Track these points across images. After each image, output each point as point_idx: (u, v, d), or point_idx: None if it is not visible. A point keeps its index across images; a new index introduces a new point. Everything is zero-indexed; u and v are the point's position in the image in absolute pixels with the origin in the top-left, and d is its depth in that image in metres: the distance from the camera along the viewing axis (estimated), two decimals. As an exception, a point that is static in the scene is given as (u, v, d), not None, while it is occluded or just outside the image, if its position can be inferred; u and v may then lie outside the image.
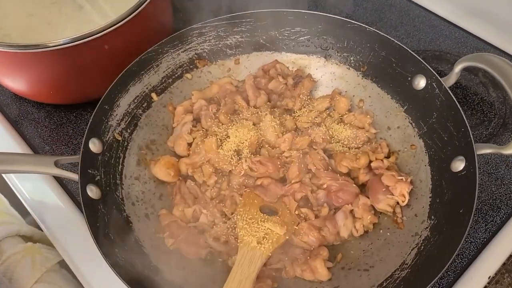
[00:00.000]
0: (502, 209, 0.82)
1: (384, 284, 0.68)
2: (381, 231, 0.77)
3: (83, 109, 0.98)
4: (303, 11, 0.88)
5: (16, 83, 0.92)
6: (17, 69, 0.85)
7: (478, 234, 0.79)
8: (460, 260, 0.76)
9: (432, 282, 0.61)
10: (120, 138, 0.81)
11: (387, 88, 0.87)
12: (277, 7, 0.89)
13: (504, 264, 0.76)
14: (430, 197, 0.75)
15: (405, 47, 0.81)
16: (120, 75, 0.81)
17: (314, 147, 0.84)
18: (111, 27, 0.78)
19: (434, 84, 0.78)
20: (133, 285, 0.63)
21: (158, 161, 0.81)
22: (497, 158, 0.87)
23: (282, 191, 0.78)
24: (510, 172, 0.86)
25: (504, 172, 0.86)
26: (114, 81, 0.80)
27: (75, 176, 0.71)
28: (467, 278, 0.75)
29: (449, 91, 0.75)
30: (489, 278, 0.75)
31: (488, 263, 0.76)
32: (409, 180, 0.76)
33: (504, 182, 0.85)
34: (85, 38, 0.77)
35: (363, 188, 0.81)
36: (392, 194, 0.76)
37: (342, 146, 0.85)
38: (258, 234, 0.72)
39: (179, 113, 0.87)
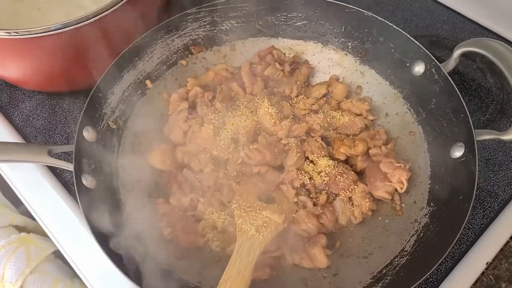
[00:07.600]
0: (500, 195, 0.82)
1: (384, 271, 0.68)
2: (379, 218, 0.76)
3: (76, 97, 0.96)
4: (300, -5, 0.87)
5: (7, 71, 0.89)
6: (7, 56, 0.83)
7: (476, 220, 0.79)
8: (458, 246, 0.76)
9: (433, 269, 0.60)
10: (114, 126, 0.80)
11: (385, 74, 0.86)
12: (274, -9, 0.88)
13: (501, 250, 0.76)
14: (429, 184, 0.75)
15: (404, 32, 0.80)
16: (113, 62, 0.79)
17: (311, 134, 0.83)
18: (103, 12, 0.76)
19: (433, 69, 0.77)
20: (130, 275, 0.62)
21: (154, 150, 0.80)
22: (495, 144, 0.87)
23: (280, 178, 0.78)
24: (508, 158, 0.86)
25: (502, 158, 0.86)
26: (108, 68, 0.79)
27: (69, 166, 0.70)
28: (465, 264, 0.75)
29: (448, 77, 0.74)
30: (486, 263, 0.75)
31: (485, 249, 0.76)
32: (407, 167, 0.75)
33: (501, 168, 0.84)
34: (77, 23, 0.75)
35: (361, 175, 0.80)
36: (391, 181, 0.75)
37: (340, 133, 0.84)
38: (257, 223, 0.71)
39: (174, 100, 0.86)
